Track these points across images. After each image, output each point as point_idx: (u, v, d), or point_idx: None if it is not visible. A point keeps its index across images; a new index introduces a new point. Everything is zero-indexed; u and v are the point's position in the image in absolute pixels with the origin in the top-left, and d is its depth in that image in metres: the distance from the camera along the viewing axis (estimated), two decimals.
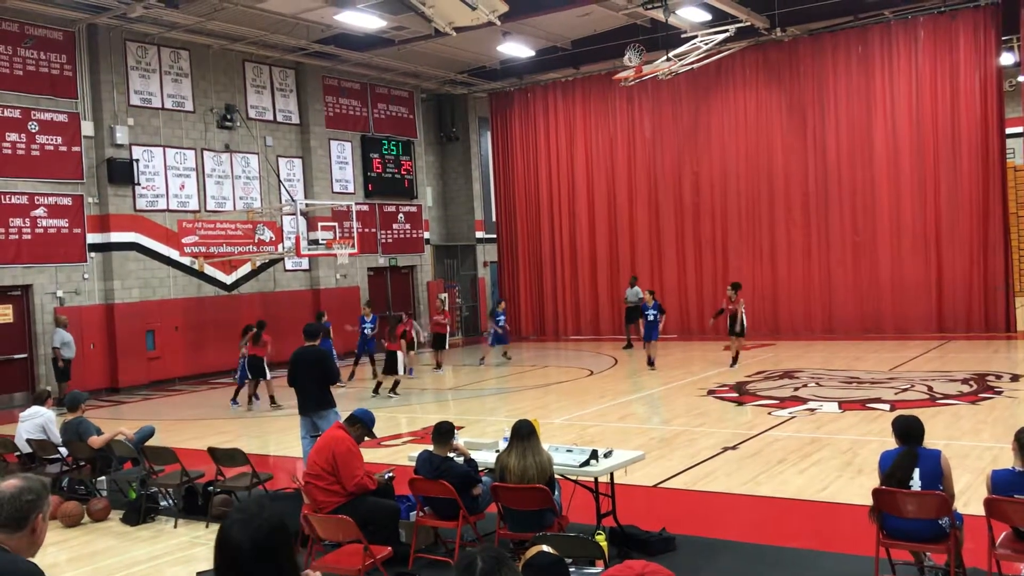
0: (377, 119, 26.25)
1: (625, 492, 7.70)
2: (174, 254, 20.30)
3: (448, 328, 20.82)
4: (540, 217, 27.58)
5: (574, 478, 7.28)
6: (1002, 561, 5.77)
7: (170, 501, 9.18)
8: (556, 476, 6.93)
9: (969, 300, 21.31)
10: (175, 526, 8.62)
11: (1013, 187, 21.99)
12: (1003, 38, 21.13)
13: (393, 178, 26.65)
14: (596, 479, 7.22)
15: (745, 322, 17.80)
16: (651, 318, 18.41)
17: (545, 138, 27.46)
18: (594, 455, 7.24)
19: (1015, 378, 14.81)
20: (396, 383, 16.49)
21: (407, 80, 26.36)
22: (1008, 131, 21.77)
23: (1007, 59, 21.58)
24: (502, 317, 21.28)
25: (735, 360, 17.76)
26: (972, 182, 21.25)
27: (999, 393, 13.54)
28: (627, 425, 12.63)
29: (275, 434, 13.37)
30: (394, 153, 26.69)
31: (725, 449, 10.61)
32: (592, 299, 26.51)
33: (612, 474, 7.33)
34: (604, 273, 26.30)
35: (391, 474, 7.68)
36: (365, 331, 18.81)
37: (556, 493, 6.86)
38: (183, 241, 19.08)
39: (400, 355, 16.55)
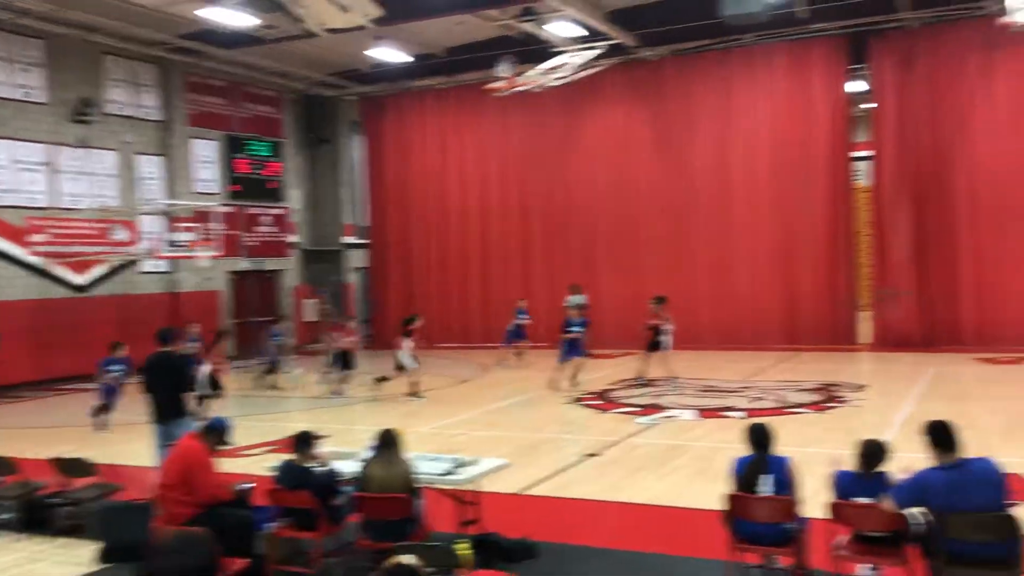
0: (244, 119, 25.57)
1: (490, 500, 7.73)
2: (20, 253, 19.18)
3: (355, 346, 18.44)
4: (412, 224, 27.46)
5: (438, 487, 7.26)
6: (842, 562, 6.07)
7: (10, 514, 8.65)
8: (420, 485, 6.90)
9: (819, 313, 22.42)
10: (17, 540, 8.13)
11: (859, 208, 23.33)
12: (852, 67, 22.40)
13: (259, 180, 26.00)
14: (460, 488, 7.22)
15: (665, 339, 16.81)
16: (575, 334, 16.94)
17: (418, 144, 27.37)
18: (458, 463, 7.25)
19: (859, 387, 15.67)
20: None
21: (275, 80, 25.79)
22: (855, 155, 23.07)
23: (856, 87, 22.87)
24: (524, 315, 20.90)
25: (645, 377, 16.81)
26: (823, 202, 22.38)
27: (844, 402, 14.29)
28: (494, 433, 12.69)
29: (124, 444, 12.78)
30: (261, 154, 26.06)
31: (588, 456, 10.80)
32: (463, 308, 26.56)
33: (476, 482, 7.35)
34: (475, 282, 26.41)
35: (250, 485, 7.47)
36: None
37: (419, 502, 6.82)
38: (31, 239, 18.04)
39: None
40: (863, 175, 24.06)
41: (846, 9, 20.75)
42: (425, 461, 7.32)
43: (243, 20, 18.99)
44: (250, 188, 25.60)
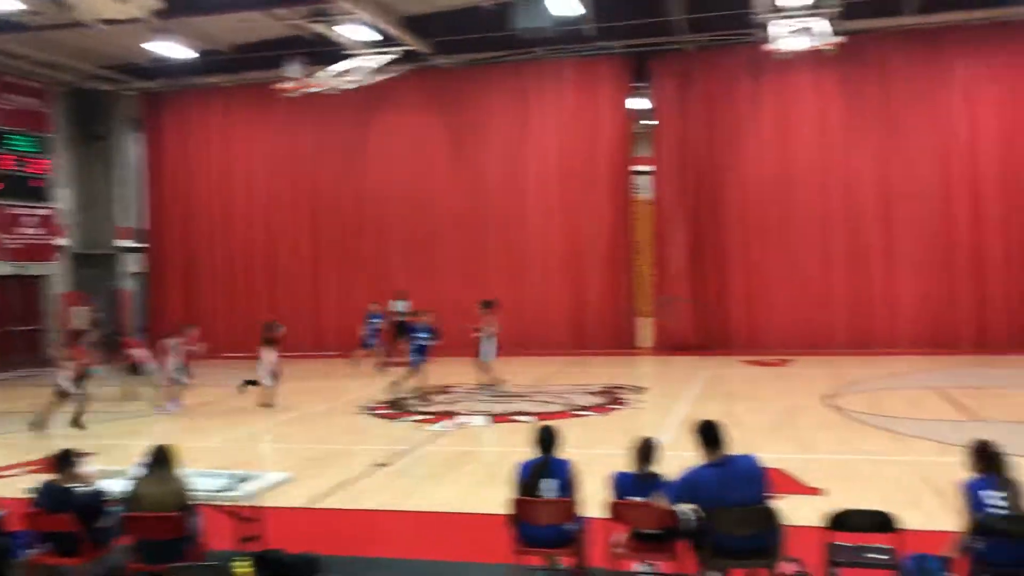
0: (4, 111, 23.50)
1: (274, 515, 7.45)
2: None
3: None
4: (195, 227, 26.21)
5: (216, 503, 6.91)
6: (619, 560, 6.29)
7: None
8: (196, 502, 6.53)
9: (603, 319, 23.32)
10: None
11: (639, 219, 24.50)
12: (636, 85, 23.52)
13: (23, 177, 23.96)
14: (240, 503, 6.91)
15: (488, 345, 16.68)
16: (423, 340, 16.40)
17: (203, 144, 26.19)
18: (238, 479, 6.93)
19: (640, 390, 16.41)
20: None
21: (42, 70, 23.85)
22: (639, 169, 24.22)
23: (638, 104, 24.03)
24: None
25: (490, 384, 16.66)
26: (607, 214, 23.33)
27: (626, 404, 14.92)
28: (281, 445, 12.29)
29: None
30: (24, 150, 24.03)
31: (378, 466, 10.66)
32: (249, 314, 25.60)
33: (258, 497, 7.06)
34: (262, 288, 25.55)
35: (1, 512, 6.81)
36: None
37: (195, 520, 6.46)
38: None
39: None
40: (645, 189, 25.26)
41: (629, 30, 21.74)
42: (202, 477, 6.96)
43: (4, 4, 17.41)
44: (12, 186, 23.54)
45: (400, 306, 21.66)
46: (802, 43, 18.60)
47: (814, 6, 18.44)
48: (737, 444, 10.98)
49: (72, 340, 16.69)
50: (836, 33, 18.81)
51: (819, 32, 18.45)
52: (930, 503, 8.45)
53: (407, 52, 21.23)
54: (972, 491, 5.79)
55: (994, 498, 5.65)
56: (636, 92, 23.67)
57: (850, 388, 15.98)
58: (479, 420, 13.62)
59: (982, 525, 5.54)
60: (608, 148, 23.40)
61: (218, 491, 6.79)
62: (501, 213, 23.95)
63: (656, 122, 23.47)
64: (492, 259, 23.95)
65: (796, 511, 8.22)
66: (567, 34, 20.56)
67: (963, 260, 21.20)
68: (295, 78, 19.46)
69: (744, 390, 16.31)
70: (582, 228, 23.43)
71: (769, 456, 10.54)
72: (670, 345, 22.59)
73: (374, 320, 21.02)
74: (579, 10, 19.11)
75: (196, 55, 22.25)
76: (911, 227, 21.47)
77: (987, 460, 5.81)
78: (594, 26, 21.03)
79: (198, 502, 6.59)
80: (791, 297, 22.25)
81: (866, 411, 13.63)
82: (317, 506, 9.02)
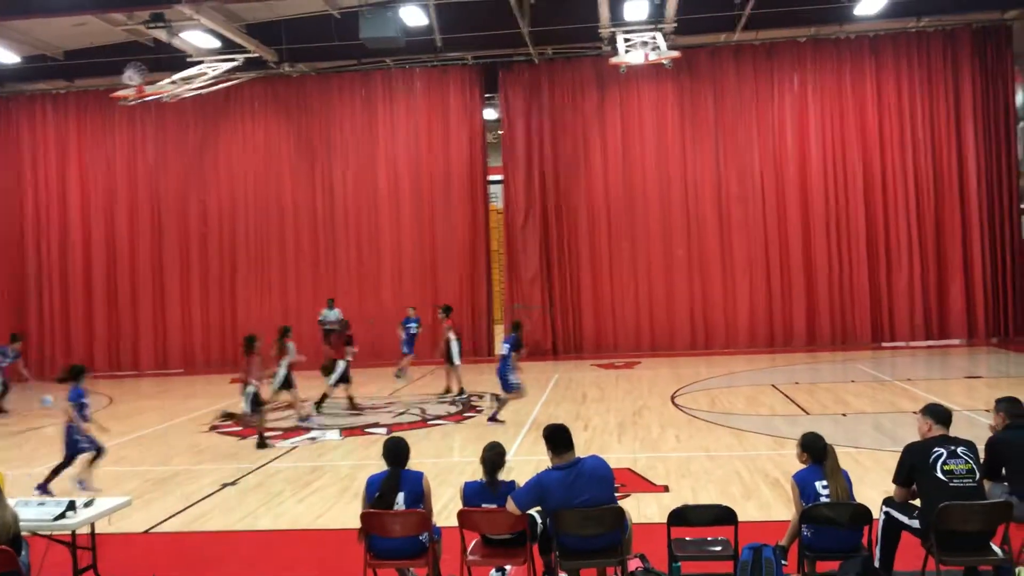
0: None
1: (110, 542, 7.11)
2: None
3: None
4: (24, 240, 24.69)
5: (47, 533, 6.54)
6: (473, 567, 6.33)
7: None
8: (25, 533, 6.15)
9: (460, 327, 23.29)
10: None
11: (495, 228, 24.78)
12: (487, 95, 23.78)
13: None
14: (74, 532, 6.56)
15: (453, 349, 16.52)
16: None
17: (31, 153, 24.73)
18: (71, 506, 6.57)
19: (494, 397, 16.51)
20: None
21: None
22: (491, 178, 24.46)
23: (490, 114, 24.30)
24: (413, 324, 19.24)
25: (460, 391, 16.75)
26: (462, 222, 23.44)
27: (481, 411, 15.01)
28: (119, 469, 11.71)
29: None
30: None
31: (224, 486, 10.33)
32: (87, 331, 24.36)
33: (93, 524, 6.72)
34: (100, 304, 24.32)
35: None
36: None
37: (23, 553, 6.08)
38: None
39: None
40: (498, 198, 25.55)
41: (479, 40, 21.96)
42: (31, 507, 6.56)
43: None
44: None
45: (329, 316, 20.98)
46: (643, 57, 19.29)
47: (654, 22, 19.20)
48: (587, 445, 11.35)
49: None
50: (673, 48, 19.63)
51: (658, 46, 19.19)
52: (767, 495, 8.89)
53: (251, 59, 20.71)
54: (802, 482, 6.15)
55: (820, 487, 6.02)
56: (488, 102, 23.94)
57: (693, 387, 16.63)
58: (331, 435, 13.40)
59: (809, 514, 5.88)
60: (461, 157, 23.53)
61: (51, 520, 6.42)
62: (353, 223, 23.70)
63: (505, 132, 23.79)
64: (344, 269, 23.67)
65: (644, 508, 8.55)
66: (415, 44, 20.56)
67: (795, 262, 22.46)
68: (133, 85, 18.65)
69: (594, 392, 16.69)
70: (437, 237, 23.45)
71: (618, 456, 10.92)
72: (525, 351, 22.85)
73: (410, 325, 19.79)
74: (423, 20, 19.18)
75: (20, 60, 21.01)
76: (746, 232, 22.60)
77: (814, 452, 6.18)
78: (443, 37, 21.15)
79: (29, 533, 6.22)
80: (638, 301, 23.00)
81: (708, 409, 14.23)
82: (158, 530, 8.66)
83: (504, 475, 6.48)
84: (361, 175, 23.73)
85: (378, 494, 6.25)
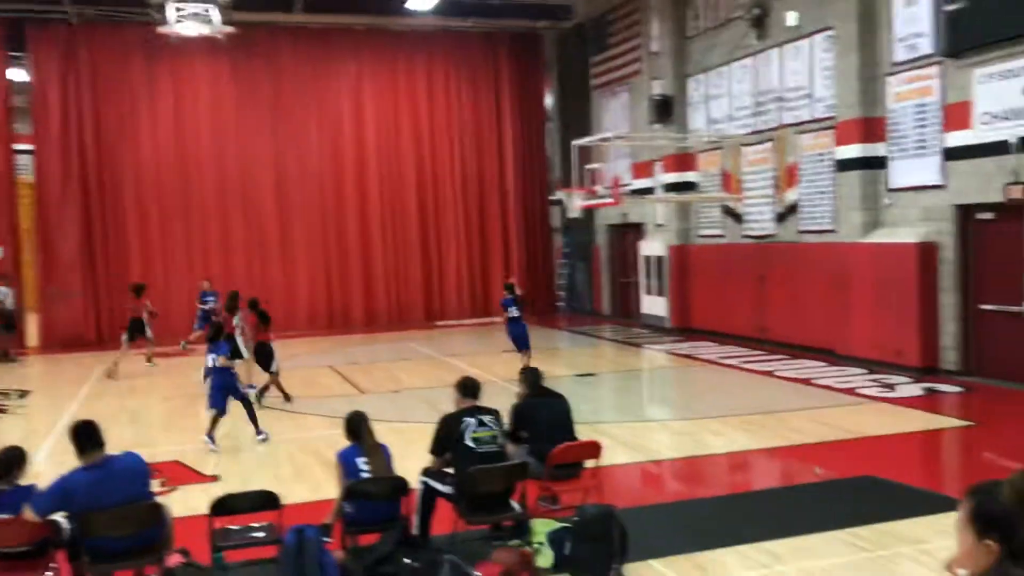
0: None
1: None
2: None
3: None
4: None
5: None
6: None
7: None
8: None
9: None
10: None
11: (27, 204, 22.11)
12: (13, 54, 21.08)
13: None
14: None
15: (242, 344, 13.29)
16: None
17: None
18: None
19: (23, 394, 14.78)
20: None
21: None
22: (18, 147, 21.77)
23: (17, 75, 21.58)
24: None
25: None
26: None
27: (5, 411, 13.35)
28: None
29: None
30: None
31: None
32: None
33: None
34: None
35: None
36: None
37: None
38: None
39: None
40: (29, 170, 22.78)
41: None
42: None
43: None
44: None
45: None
46: (196, 28, 18.43)
47: None
48: (132, 441, 10.59)
49: None
50: (228, 23, 19.02)
51: (212, 19, 18.46)
52: (319, 475, 9.00)
53: None
54: (344, 459, 6.31)
55: (361, 463, 6.22)
56: (15, 62, 21.23)
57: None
58: None
59: (350, 489, 6.05)
60: None
61: None
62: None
63: (35, 97, 21.32)
64: None
65: (192, 501, 8.19)
66: None
67: (353, 245, 23.05)
68: None
69: (141, 384, 15.67)
70: None
71: (165, 449, 10.35)
72: (60, 342, 20.81)
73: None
74: None
75: None
76: (305, 215, 22.71)
77: (355, 429, 6.37)
78: None
79: None
80: (192, 284, 22.02)
81: (265, 393, 14.05)
82: None
83: (27, 480, 5.80)
84: None
85: None
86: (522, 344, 15.12)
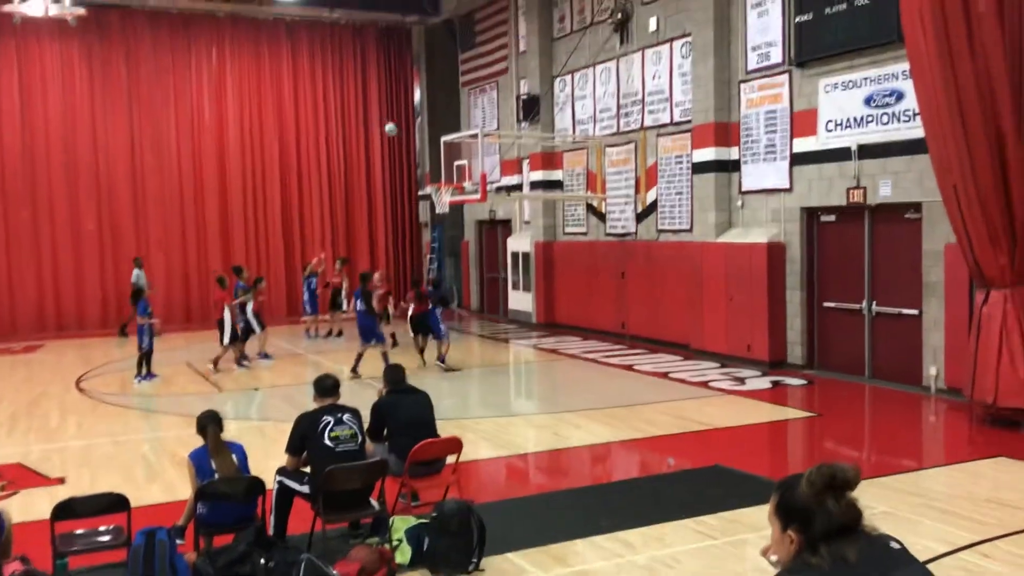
0: None
1: None
2: None
3: None
4: None
5: None
6: None
7: None
8: None
9: None
10: None
11: None
12: None
13: None
14: None
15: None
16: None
17: None
18: None
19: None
20: None
21: None
22: None
23: None
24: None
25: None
26: None
27: None
28: None
29: None
30: None
31: None
32: None
33: None
34: None
35: None
36: None
37: None
38: None
39: None
40: None
41: None
42: None
43: None
44: None
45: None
46: (42, 9, 17.50)
47: None
48: None
49: None
50: (80, 4, 18.15)
51: (61, 0, 17.58)
52: (172, 476, 8.73)
53: None
54: (196, 460, 6.16)
55: (215, 464, 6.09)
56: None
57: (103, 370, 15.67)
58: None
59: (203, 490, 5.92)
60: None
61: None
62: None
63: None
64: None
65: (35, 505, 7.81)
66: None
67: (213, 238, 22.37)
68: None
69: None
70: None
71: (7, 451, 9.83)
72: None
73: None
74: None
75: None
76: (163, 205, 21.93)
77: (202, 429, 6.23)
78: None
79: None
80: (42, 278, 20.99)
81: (117, 392, 13.52)
82: None
83: None
84: None
85: None
86: (368, 337, 14.24)
